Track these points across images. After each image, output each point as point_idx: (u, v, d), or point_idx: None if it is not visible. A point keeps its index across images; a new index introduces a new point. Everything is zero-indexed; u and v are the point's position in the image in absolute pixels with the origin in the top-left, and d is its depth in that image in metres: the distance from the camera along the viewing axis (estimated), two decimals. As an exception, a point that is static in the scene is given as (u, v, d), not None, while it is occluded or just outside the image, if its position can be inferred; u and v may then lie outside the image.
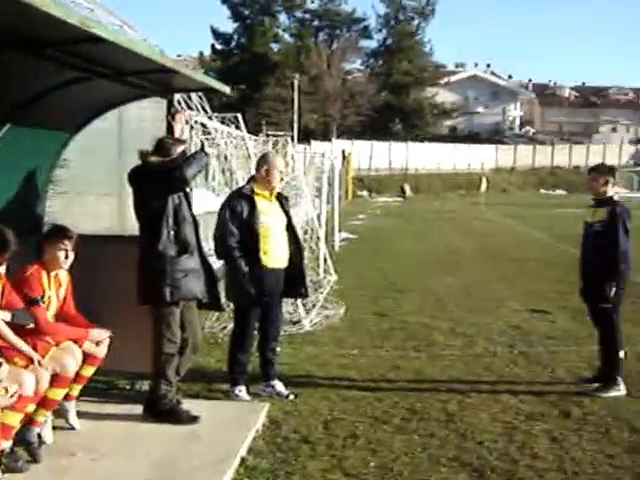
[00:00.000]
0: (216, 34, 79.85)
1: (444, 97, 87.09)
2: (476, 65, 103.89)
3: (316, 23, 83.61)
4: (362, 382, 7.83)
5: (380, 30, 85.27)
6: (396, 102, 79.04)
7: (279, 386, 7.29)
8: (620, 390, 7.52)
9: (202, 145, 6.50)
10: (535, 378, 8.10)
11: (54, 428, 5.78)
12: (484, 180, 48.26)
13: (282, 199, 7.37)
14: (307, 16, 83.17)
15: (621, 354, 7.68)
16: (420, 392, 7.48)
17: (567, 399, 7.30)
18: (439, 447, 5.97)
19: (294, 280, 7.34)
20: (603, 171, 7.92)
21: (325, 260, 13.80)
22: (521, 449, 5.96)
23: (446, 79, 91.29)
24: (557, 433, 6.34)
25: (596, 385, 7.65)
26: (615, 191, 8.01)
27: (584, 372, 8.23)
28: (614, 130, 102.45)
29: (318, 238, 13.46)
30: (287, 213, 7.31)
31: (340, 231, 22.70)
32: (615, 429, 6.48)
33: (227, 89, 7.16)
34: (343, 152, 51.78)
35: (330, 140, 63.53)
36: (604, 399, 7.31)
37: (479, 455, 5.81)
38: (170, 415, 6.17)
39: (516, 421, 6.63)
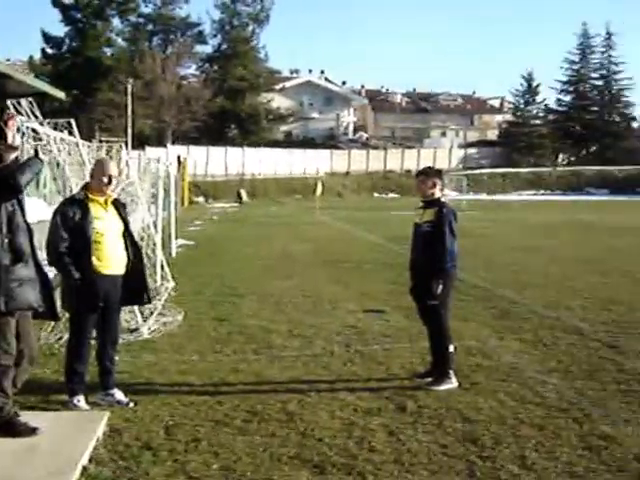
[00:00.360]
0: (47, 38, 77.43)
1: (279, 102, 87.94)
2: (310, 71, 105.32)
3: (150, 27, 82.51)
4: (202, 387, 7.85)
5: (215, 35, 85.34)
6: (232, 107, 79.15)
7: (118, 394, 7.22)
8: (452, 383, 7.87)
9: (36, 151, 6.36)
10: (371, 375, 8.36)
11: None
12: (319, 184, 48.89)
13: (119, 206, 7.32)
14: (141, 20, 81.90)
15: (451, 348, 8.05)
16: (260, 394, 7.58)
17: (402, 394, 7.57)
18: (280, 446, 6.09)
19: (136, 287, 7.31)
20: (430, 174, 8.30)
21: (162, 267, 13.69)
22: (360, 444, 6.16)
23: (281, 85, 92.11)
24: (394, 427, 6.58)
25: (429, 379, 7.97)
26: (444, 193, 8.41)
27: (418, 367, 8.55)
28: (444, 135, 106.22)
29: (155, 245, 13.34)
30: (124, 220, 7.27)
31: (177, 238, 22.55)
32: (448, 420, 6.78)
33: (62, 94, 7.08)
34: (179, 158, 51.41)
35: (165, 146, 62.99)
36: (437, 392, 7.63)
37: (319, 451, 5.97)
38: (7, 428, 6.01)
39: (354, 417, 6.84)
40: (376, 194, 75.37)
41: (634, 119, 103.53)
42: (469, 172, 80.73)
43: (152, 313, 11.03)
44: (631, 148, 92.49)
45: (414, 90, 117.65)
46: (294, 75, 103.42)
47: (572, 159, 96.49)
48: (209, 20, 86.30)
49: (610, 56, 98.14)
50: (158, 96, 71.86)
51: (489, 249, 22.62)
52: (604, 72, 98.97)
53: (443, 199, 8.27)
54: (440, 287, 7.85)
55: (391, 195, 73.66)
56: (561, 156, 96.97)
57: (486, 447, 6.10)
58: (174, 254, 20.30)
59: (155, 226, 14.72)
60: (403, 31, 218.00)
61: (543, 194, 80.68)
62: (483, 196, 73.22)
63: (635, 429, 6.55)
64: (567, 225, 34.06)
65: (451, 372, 7.95)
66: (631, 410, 7.09)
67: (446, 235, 7.88)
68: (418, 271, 8.14)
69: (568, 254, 21.52)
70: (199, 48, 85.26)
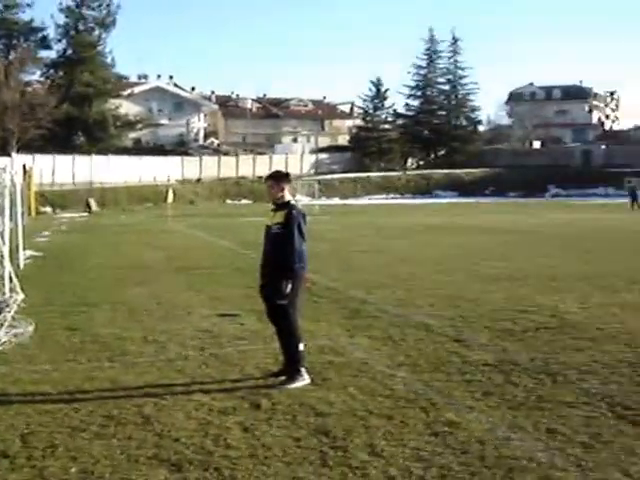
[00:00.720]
0: None
1: (127, 109, 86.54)
2: (159, 77, 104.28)
3: (-9, 32, 79.62)
4: (57, 395, 7.79)
5: (60, 40, 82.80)
6: (78, 114, 77.28)
7: (-30, 406, 7.12)
8: (304, 380, 8.12)
9: None
10: (226, 376, 8.50)
11: None
12: (170, 192, 48.53)
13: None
14: (-18, 25, 78.94)
15: (301, 347, 8.28)
16: (116, 399, 7.61)
17: (257, 392, 7.76)
18: (138, 448, 6.17)
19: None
20: (279, 178, 8.54)
21: (10, 279, 13.40)
22: (216, 441, 6.32)
23: (129, 90, 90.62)
24: (249, 424, 6.76)
25: (282, 378, 8.19)
26: (296, 199, 8.66)
27: (272, 367, 8.74)
28: (295, 140, 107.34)
29: (2, 256, 13.04)
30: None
31: (25, 249, 21.98)
32: (302, 415, 7.03)
33: None
34: (24, 167, 49.96)
35: (9, 155, 61.00)
36: (290, 389, 7.86)
37: (176, 451, 6.09)
38: None
39: (210, 417, 6.98)
40: (229, 201, 75.32)
41: (480, 123, 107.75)
42: (321, 177, 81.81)
43: (1, 325, 10.81)
44: (477, 151, 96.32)
45: (265, 96, 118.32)
46: (142, 81, 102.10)
47: (421, 163, 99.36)
48: (53, 24, 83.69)
49: (456, 61, 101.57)
50: (1, 103, 69.46)
51: (341, 252, 23.11)
52: (450, 77, 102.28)
53: (292, 202, 8.51)
54: (289, 287, 8.08)
55: (244, 201, 73.74)
56: (410, 160, 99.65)
57: (338, 438, 6.37)
58: (22, 266, 19.79)
59: (2, 237, 14.38)
60: (252, 36, 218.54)
61: (394, 198, 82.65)
62: (335, 201, 74.50)
63: (478, 415, 6.98)
64: (417, 227, 35.06)
65: (302, 370, 8.20)
66: (474, 398, 7.53)
67: (295, 236, 8.13)
68: (268, 271, 8.35)
69: (418, 255, 22.24)
70: (43, 53, 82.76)
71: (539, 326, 11.04)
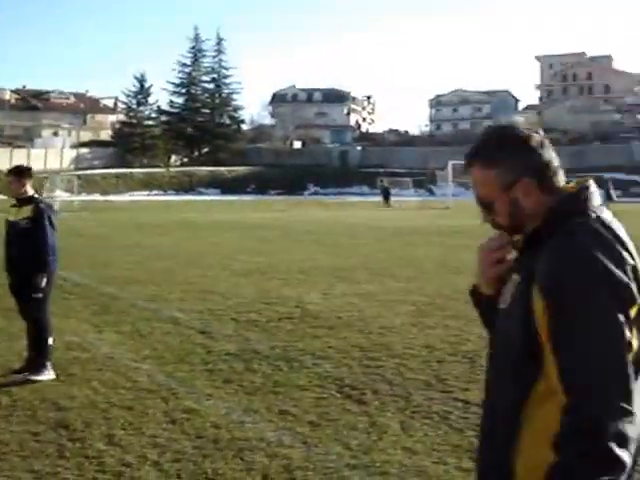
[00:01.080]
0: None
1: None
2: None
3: None
4: None
5: None
6: None
7: None
8: (49, 374, 8.11)
9: None
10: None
11: None
12: None
13: None
14: None
15: (50, 341, 8.29)
16: None
17: (-4, 390, 7.69)
18: None
19: None
20: (19, 173, 8.44)
21: None
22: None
23: None
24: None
25: (26, 373, 8.13)
26: (54, 192, 8.62)
27: (14, 364, 8.61)
28: (56, 134, 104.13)
29: None
30: None
31: None
32: (42, 410, 7.06)
33: None
34: None
35: None
36: (33, 385, 7.83)
37: None
38: None
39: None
40: (-18, 196, 71.86)
41: (243, 122, 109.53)
42: (81, 172, 79.89)
43: None
44: (241, 150, 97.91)
45: (24, 87, 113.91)
46: None
47: (185, 160, 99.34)
48: None
49: (221, 60, 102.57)
50: None
51: (98, 248, 22.82)
52: (215, 76, 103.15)
53: (36, 196, 8.48)
54: (44, 280, 8.08)
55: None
56: (174, 157, 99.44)
57: (77, 431, 6.48)
58: None
59: None
60: (7, 23, 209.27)
61: (156, 194, 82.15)
62: (96, 197, 72.92)
63: (216, 402, 7.33)
64: (177, 223, 35.15)
65: (48, 364, 8.19)
66: (214, 386, 7.87)
67: (47, 229, 8.14)
68: (18, 266, 8.25)
69: (175, 251, 22.33)
70: None
71: (282, 316, 11.60)
